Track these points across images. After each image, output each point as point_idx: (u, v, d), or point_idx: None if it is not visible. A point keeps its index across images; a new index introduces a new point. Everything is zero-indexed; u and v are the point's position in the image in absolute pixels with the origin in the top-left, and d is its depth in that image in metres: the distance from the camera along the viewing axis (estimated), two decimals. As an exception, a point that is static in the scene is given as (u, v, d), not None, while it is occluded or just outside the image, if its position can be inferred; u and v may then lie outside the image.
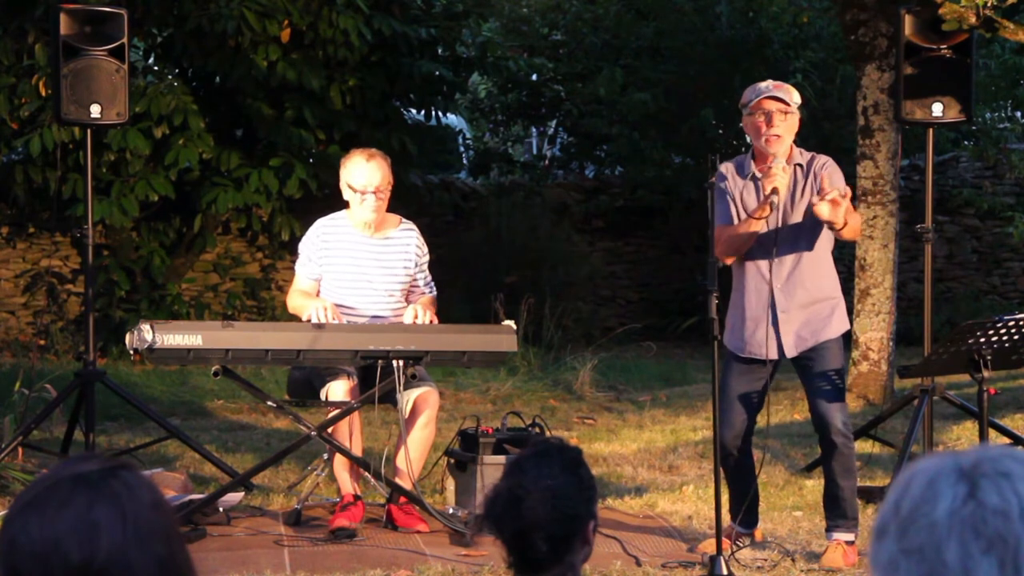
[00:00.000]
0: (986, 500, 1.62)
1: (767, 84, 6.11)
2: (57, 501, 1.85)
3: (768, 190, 5.91)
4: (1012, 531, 1.61)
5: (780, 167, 5.93)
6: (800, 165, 6.09)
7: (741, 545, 6.16)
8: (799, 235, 6.05)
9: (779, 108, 6.00)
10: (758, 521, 6.37)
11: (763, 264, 6.05)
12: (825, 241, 6.11)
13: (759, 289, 6.07)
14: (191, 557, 1.93)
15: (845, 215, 5.84)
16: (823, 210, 5.81)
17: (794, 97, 6.07)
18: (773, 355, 6.08)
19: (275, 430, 9.10)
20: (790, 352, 6.07)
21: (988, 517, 1.61)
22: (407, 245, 6.77)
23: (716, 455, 5.93)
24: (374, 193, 6.60)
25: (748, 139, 6.25)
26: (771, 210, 5.93)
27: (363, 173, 6.60)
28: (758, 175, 6.03)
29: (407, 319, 6.53)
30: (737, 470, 6.16)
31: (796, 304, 6.05)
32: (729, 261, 6.09)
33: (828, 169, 6.05)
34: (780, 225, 6.02)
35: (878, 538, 1.68)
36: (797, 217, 6.04)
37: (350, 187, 6.65)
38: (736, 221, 6.05)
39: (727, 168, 6.16)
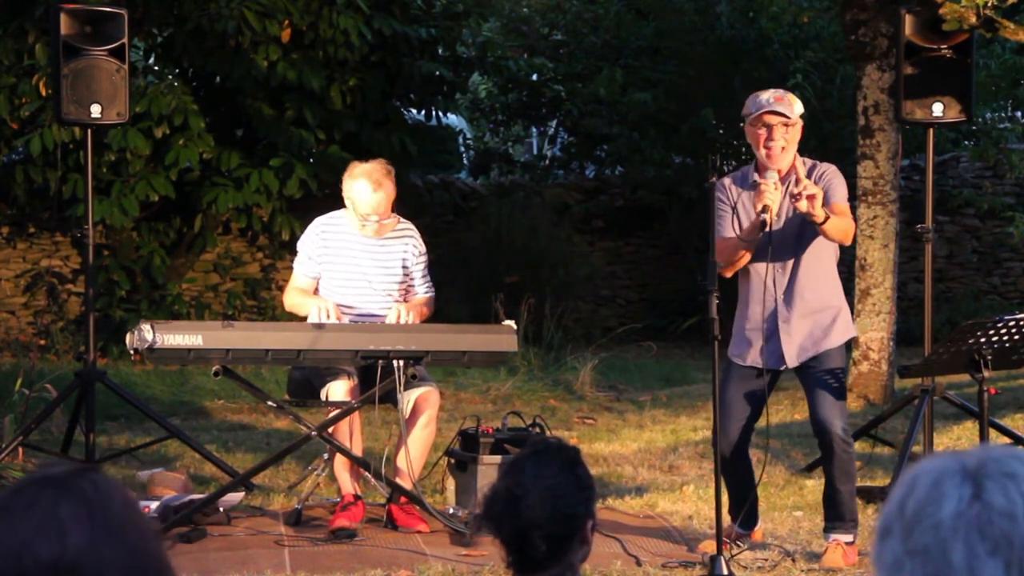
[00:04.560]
0: (992, 501, 1.62)
1: (768, 96, 6.06)
2: (23, 502, 1.85)
3: (758, 208, 5.90)
4: (1018, 532, 1.61)
5: (771, 184, 5.91)
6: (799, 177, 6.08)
7: (741, 545, 6.16)
8: (799, 245, 6.05)
9: (780, 121, 5.99)
10: (758, 522, 6.38)
11: (765, 274, 6.05)
12: (826, 250, 6.11)
13: (761, 299, 6.07)
14: (166, 553, 1.92)
15: (827, 212, 5.84)
16: (800, 205, 5.84)
17: (796, 109, 6.04)
18: (778, 366, 6.09)
19: (275, 430, 9.10)
20: (791, 362, 6.08)
21: (994, 518, 1.61)
22: (405, 244, 6.77)
23: (716, 456, 5.93)
24: (378, 220, 6.62)
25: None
26: (762, 229, 5.92)
27: (368, 202, 6.59)
28: (758, 180, 6.02)
29: (390, 319, 6.53)
30: (735, 474, 6.17)
31: (797, 314, 6.06)
32: (728, 273, 6.09)
33: (829, 176, 6.05)
34: (780, 236, 6.02)
35: (882, 538, 1.67)
36: (796, 227, 6.03)
37: (353, 205, 6.64)
38: (734, 233, 6.05)
39: (730, 181, 6.16)
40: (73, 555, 1.81)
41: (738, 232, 6.02)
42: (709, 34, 14.10)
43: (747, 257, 6.03)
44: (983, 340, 6.03)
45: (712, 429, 6.06)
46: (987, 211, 14.44)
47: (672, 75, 14.16)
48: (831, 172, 6.09)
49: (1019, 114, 15.08)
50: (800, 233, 6.04)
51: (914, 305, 13.06)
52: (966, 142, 14.82)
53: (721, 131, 14.04)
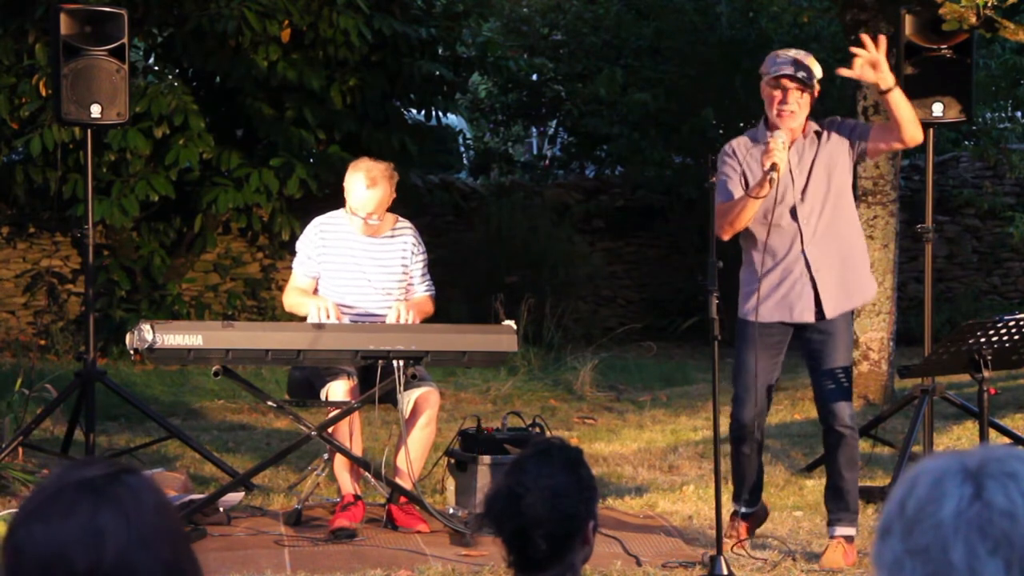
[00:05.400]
0: (993, 501, 1.62)
1: (788, 57, 6.04)
2: (62, 508, 1.84)
3: (767, 166, 5.87)
4: (1019, 532, 1.61)
5: (780, 143, 5.88)
6: (817, 132, 6.08)
7: (744, 540, 6.14)
8: (825, 197, 6.03)
9: (796, 86, 5.97)
10: (760, 499, 6.33)
11: (790, 226, 6.00)
12: (850, 204, 6.13)
13: (788, 252, 6.01)
14: (197, 559, 1.92)
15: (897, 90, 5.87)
16: (856, 66, 5.86)
17: (815, 72, 6.00)
18: (809, 318, 6.03)
19: (275, 430, 9.10)
20: (830, 313, 6.00)
21: (995, 518, 1.61)
22: (403, 243, 6.78)
23: (716, 453, 5.90)
24: (365, 218, 6.62)
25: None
26: (771, 187, 5.88)
27: (359, 198, 6.60)
28: (768, 138, 5.98)
29: (390, 318, 6.53)
30: (750, 446, 6.08)
31: (829, 261, 6.02)
32: (727, 236, 6.03)
33: (840, 121, 6.11)
34: (804, 188, 6.00)
35: (882, 537, 1.67)
36: (820, 178, 6.02)
37: (347, 197, 6.66)
38: (742, 193, 6.01)
39: (738, 143, 6.14)
40: (109, 565, 1.81)
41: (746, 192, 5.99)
42: (709, 34, 14.10)
43: (749, 217, 5.94)
44: (983, 340, 6.03)
45: (713, 429, 6.04)
46: (987, 211, 14.44)
47: (672, 75, 14.16)
48: (847, 119, 6.15)
49: (1019, 114, 15.08)
50: (828, 188, 6.03)
51: (914, 305, 13.06)
52: (966, 142, 14.82)
53: (721, 131, 14.03)
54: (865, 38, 6.00)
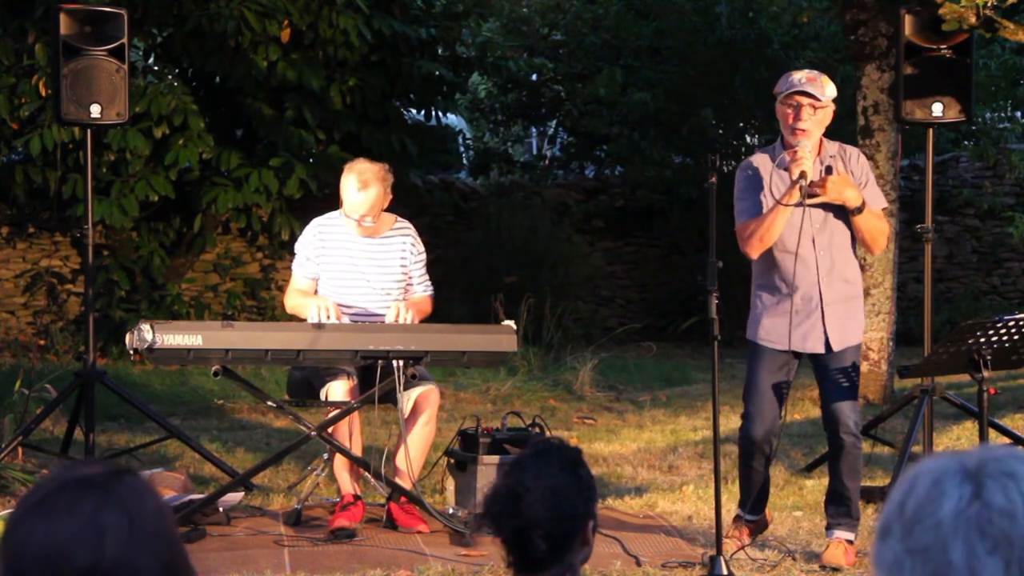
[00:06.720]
0: (992, 500, 1.62)
1: (801, 76, 6.04)
2: (64, 504, 1.85)
3: (796, 175, 5.88)
4: (1018, 532, 1.61)
5: (806, 151, 5.89)
6: (832, 157, 6.09)
7: (746, 545, 6.14)
8: (839, 228, 6.05)
9: (809, 103, 5.97)
10: (764, 509, 6.34)
11: (810, 256, 6.01)
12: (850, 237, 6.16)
13: (806, 281, 6.02)
14: (191, 562, 1.93)
15: (866, 212, 5.93)
16: (830, 191, 5.89)
17: (827, 91, 6.01)
18: (819, 349, 6.05)
19: (275, 430, 9.10)
20: (836, 346, 6.04)
21: (994, 517, 1.62)
22: (402, 243, 6.78)
23: (716, 453, 5.91)
24: (358, 220, 6.61)
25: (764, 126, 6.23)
26: (801, 195, 5.89)
27: (352, 201, 6.61)
28: (787, 159, 5.99)
29: (388, 318, 6.53)
30: (761, 460, 6.10)
31: (838, 297, 6.05)
32: (756, 254, 6.03)
33: (863, 164, 6.14)
34: (821, 217, 6.01)
35: (882, 538, 1.68)
36: (836, 214, 6.03)
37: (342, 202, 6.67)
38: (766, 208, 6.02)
39: (760, 158, 6.14)
40: (109, 564, 1.82)
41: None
42: (709, 34, 14.09)
43: (779, 229, 5.94)
44: (983, 340, 6.03)
45: (712, 429, 6.04)
46: (987, 211, 14.44)
47: (672, 75, 14.15)
48: (864, 161, 6.16)
49: (1019, 114, 15.08)
50: (839, 215, 6.03)
51: (914, 305, 13.06)
52: (966, 142, 14.82)
53: (721, 131, 14.03)
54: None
